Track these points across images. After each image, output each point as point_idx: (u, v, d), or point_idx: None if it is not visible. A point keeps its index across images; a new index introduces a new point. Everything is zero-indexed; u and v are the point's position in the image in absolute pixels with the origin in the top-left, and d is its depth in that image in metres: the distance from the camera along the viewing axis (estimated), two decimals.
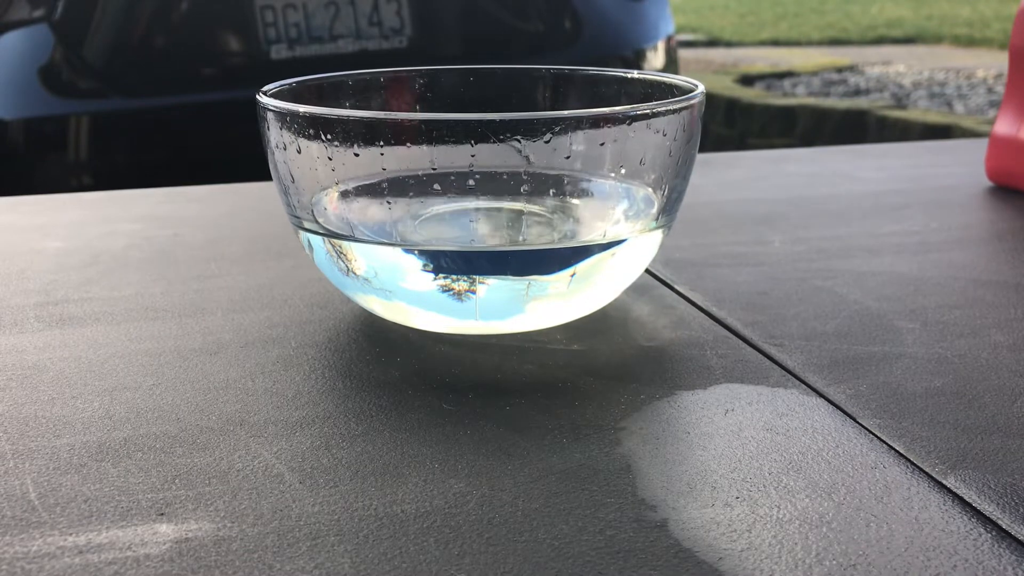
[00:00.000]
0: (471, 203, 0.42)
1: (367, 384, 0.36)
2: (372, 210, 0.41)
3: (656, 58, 2.11)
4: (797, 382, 0.37)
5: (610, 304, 0.43)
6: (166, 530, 0.27)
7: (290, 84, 0.43)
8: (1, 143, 1.74)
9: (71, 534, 0.27)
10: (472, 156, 0.37)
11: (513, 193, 0.42)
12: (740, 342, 0.40)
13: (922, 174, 0.69)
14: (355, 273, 0.40)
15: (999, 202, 0.61)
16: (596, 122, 0.38)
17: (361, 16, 1.87)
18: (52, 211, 0.61)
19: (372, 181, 0.40)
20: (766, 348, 0.39)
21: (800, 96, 4.17)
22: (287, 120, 0.38)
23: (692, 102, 0.39)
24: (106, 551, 0.26)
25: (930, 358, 0.38)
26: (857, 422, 0.34)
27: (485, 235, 0.41)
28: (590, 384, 0.36)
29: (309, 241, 0.41)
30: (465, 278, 0.39)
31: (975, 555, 0.26)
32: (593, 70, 0.48)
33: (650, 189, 0.40)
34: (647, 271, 0.48)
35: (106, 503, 0.28)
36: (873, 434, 0.33)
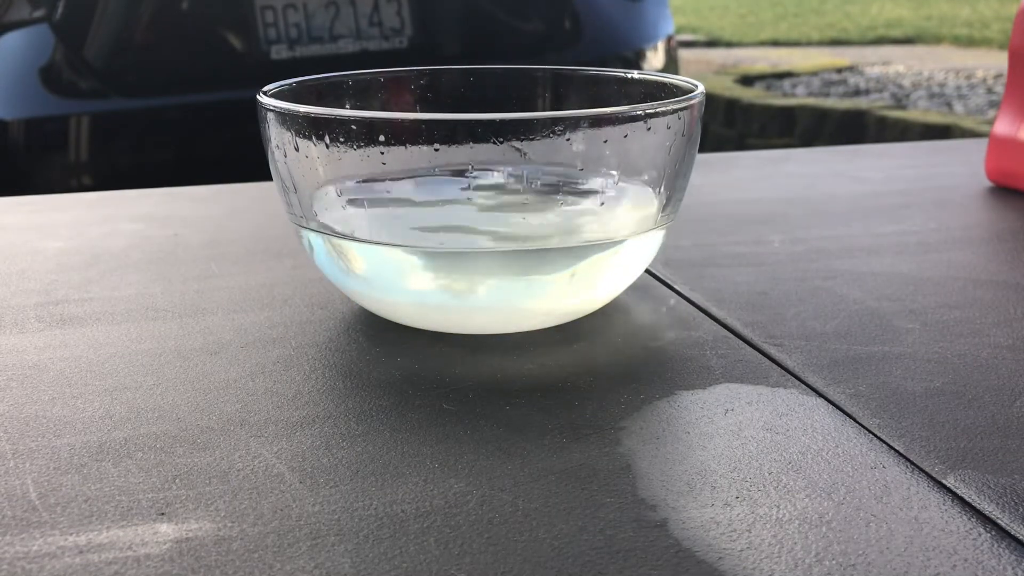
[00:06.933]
0: (471, 203, 0.42)
1: (367, 384, 0.36)
2: (372, 210, 0.41)
3: (656, 58, 2.11)
4: (797, 382, 0.37)
5: (610, 304, 0.43)
6: (166, 530, 0.27)
7: (290, 84, 0.44)
8: (1, 143, 1.74)
9: (71, 534, 0.27)
10: (472, 156, 0.37)
11: (513, 193, 0.42)
12: (740, 342, 0.40)
13: (922, 174, 0.69)
14: (355, 273, 0.40)
15: (999, 202, 0.61)
16: (596, 122, 0.38)
17: (361, 16, 1.87)
18: (52, 211, 0.61)
19: (372, 181, 0.40)
20: (766, 348, 0.39)
21: (800, 96, 4.17)
22: (287, 120, 0.38)
23: (692, 102, 0.39)
24: (106, 551, 0.26)
25: (930, 358, 0.38)
26: (857, 422, 0.34)
27: (484, 235, 0.41)
28: (590, 384, 0.36)
29: (309, 241, 0.41)
30: (465, 278, 0.39)
31: (975, 555, 0.26)
32: (593, 70, 0.48)
33: (650, 189, 0.40)
34: (647, 271, 0.48)
35: (106, 503, 0.28)
36: (873, 434, 0.33)
